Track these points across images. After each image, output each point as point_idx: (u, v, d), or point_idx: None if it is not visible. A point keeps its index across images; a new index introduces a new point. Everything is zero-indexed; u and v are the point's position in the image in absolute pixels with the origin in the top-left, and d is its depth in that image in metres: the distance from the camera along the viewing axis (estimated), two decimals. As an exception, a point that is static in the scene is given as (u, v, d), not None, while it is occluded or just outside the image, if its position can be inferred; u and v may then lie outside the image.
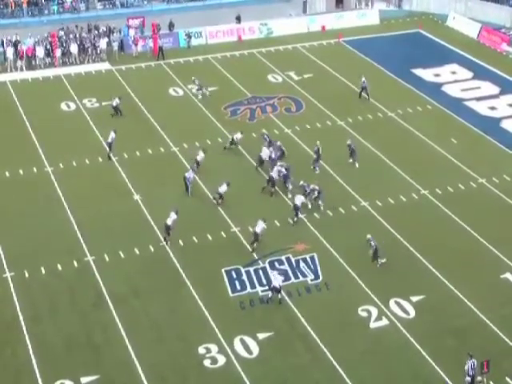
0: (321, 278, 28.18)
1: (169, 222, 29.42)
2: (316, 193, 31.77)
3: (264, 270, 28.42)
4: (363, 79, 41.49)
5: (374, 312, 26.53)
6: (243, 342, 25.23)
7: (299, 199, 31.02)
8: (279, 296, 26.76)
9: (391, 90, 43.47)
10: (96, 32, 47.74)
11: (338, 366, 24.37)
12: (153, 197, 32.98)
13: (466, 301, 27.05)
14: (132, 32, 48.36)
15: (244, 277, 28.08)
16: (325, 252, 29.55)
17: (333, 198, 32.93)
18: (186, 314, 26.55)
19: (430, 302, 27.07)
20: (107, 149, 35.77)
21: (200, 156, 34.37)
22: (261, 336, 25.45)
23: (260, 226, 29.28)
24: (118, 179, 34.45)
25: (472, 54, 47.62)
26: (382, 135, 38.24)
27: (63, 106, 41.33)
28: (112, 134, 35.87)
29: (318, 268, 28.56)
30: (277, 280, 27.01)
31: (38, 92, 43.10)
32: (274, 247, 29.50)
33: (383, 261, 28.58)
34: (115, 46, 47.42)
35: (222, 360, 24.58)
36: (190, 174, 33.00)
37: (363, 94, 41.46)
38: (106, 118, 39.63)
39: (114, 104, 39.53)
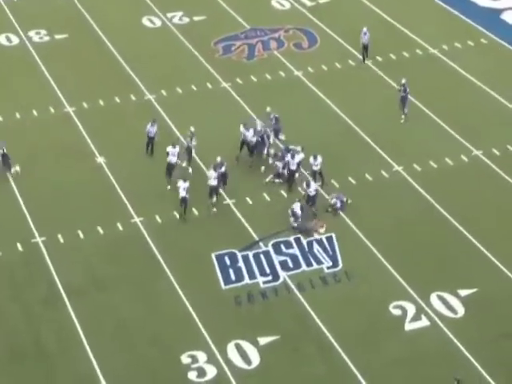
0: (340, 265, 28.15)
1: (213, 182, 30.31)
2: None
3: (267, 254, 28.36)
4: (365, 30, 38.87)
5: (411, 309, 26.49)
6: (239, 349, 25.19)
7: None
8: None
9: (433, 19, 43.07)
10: None
11: (362, 380, 24.32)
12: (121, 159, 32.86)
13: (530, 295, 27.09)
14: None
15: (240, 264, 28.06)
16: (346, 231, 29.47)
17: (357, 161, 32.81)
18: (164, 312, 26.49)
19: (484, 297, 26.98)
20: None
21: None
22: (262, 341, 25.42)
23: None
24: (76, 137, 34.24)
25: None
26: (421, 79, 37.94)
27: (3, 40, 41.10)
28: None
29: (337, 252, 28.52)
30: None
31: (-31, 22, 42.85)
32: (279, 225, 29.42)
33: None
34: (71, -40, 46.90)
35: (211, 372, 24.55)
36: (151, 128, 32.63)
37: (365, 53, 39.08)
38: (58, 56, 39.35)
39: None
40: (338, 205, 30.31)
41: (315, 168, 31.24)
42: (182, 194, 29.75)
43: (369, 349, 25.26)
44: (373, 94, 36.73)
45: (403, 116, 35.08)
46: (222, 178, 30.78)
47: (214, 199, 30.43)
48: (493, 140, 34.04)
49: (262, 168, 32.07)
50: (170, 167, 31.37)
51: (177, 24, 42.55)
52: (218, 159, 30.56)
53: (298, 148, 31.77)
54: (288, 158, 31.14)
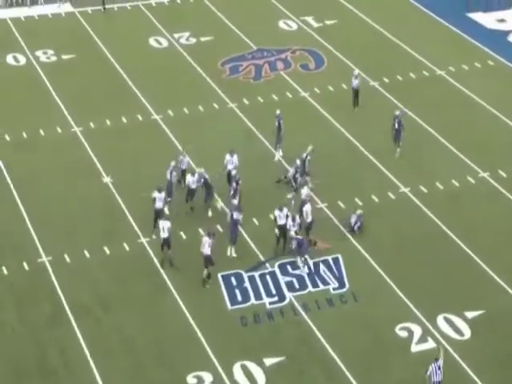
0: (347, 286, 28.16)
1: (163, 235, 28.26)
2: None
3: (273, 275, 28.40)
4: (356, 73, 37.21)
5: (417, 331, 26.47)
6: (245, 370, 25.16)
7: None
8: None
9: (440, 41, 43.25)
10: (53, -37, 47.49)
11: (369, 402, 24.41)
12: (127, 179, 32.94)
13: (537, 317, 27.05)
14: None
15: (247, 284, 28.10)
16: (352, 252, 29.51)
17: (363, 182, 32.92)
18: (170, 332, 26.49)
19: (491, 318, 26.96)
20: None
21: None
22: (268, 361, 25.40)
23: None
24: (83, 156, 34.39)
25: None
26: (428, 100, 38.14)
27: (10, 60, 41.36)
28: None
29: (344, 273, 28.54)
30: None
31: (-23, 42, 43.13)
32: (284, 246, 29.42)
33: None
34: (78, -20, 47.26)
35: (217, 393, 24.63)
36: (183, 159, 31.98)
37: (355, 100, 37.12)
38: (65, 76, 39.60)
39: None
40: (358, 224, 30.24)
41: (304, 197, 29.81)
42: (164, 235, 28.13)
43: (375, 371, 25.20)
44: (380, 115, 36.73)
45: (398, 150, 34.16)
46: (235, 229, 28.82)
47: (205, 272, 27.86)
48: (499, 162, 34.08)
49: (210, 213, 30.97)
50: (158, 213, 29.35)
51: (184, 44, 42.76)
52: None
53: (310, 151, 31.87)
54: (288, 221, 28.79)
